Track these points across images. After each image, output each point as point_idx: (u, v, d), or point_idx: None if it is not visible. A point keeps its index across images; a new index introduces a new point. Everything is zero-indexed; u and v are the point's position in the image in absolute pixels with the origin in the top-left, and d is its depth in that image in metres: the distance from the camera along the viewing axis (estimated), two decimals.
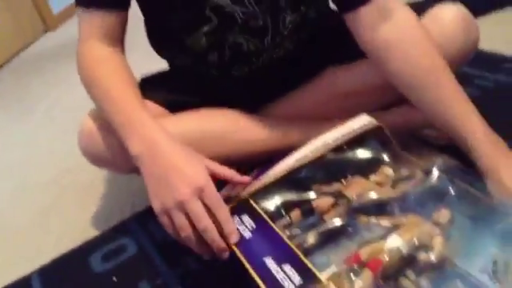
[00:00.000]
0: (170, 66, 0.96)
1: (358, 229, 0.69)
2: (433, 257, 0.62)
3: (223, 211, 0.66)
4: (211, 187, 0.66)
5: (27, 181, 1.20)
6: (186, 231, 0.66)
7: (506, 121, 0.83)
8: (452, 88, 0.73)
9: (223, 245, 0.66)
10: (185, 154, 0.69)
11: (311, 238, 0.69)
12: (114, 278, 0.81)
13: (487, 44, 1.11)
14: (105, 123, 0.82)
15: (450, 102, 0.73)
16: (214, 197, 0.66)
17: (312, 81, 0.90)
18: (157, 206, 0.68)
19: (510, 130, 0.79)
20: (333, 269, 0.62)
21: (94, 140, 0.84)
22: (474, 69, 1.04)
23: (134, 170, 0.85)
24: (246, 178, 0.73)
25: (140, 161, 0.70)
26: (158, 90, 0.88)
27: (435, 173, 0.71)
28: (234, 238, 0.65)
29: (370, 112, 0.81)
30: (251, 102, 0.90)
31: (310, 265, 0.61)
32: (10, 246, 0.98)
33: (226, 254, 0.66)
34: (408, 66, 0.74)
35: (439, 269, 0.62)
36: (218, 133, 0.85)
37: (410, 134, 0.84)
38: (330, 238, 0.69)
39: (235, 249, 0.65)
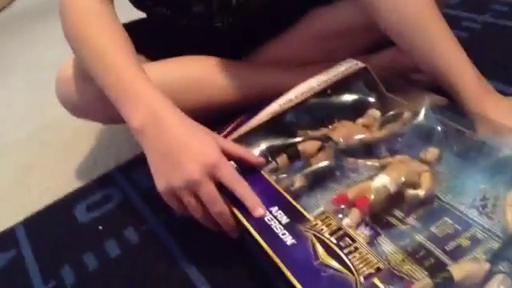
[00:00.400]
0: (148, 16, 0.92)
1: (346, 171, 0.69)
2: (421, 193, 0.61)
3: (243, 186, 0.60)
4: (225, 163, 0.60)
5: (7, 138, 1.17)
6: (199, 214, 0.61)
7: (493, 62, 0.82)
8: (441, 32, 0.71)
9: (234, 224, 0.61)
10: (194, 129, 0.63)
11: (298, 181, 0.68)
12: (100, 227, 0.80)
13: None
14: (83, 71, 0.80)
15: (439, 47, 0.71)
16: (230, 173, 0.60)
17: (295, 24, 0.88)
18: (161, 186, 0.61)
19: (497, 71, 0.78)
20: (320, 209, 0.62)
21: (71, 88, 0.81)
22: (462, 11, 1.03)
23: (114, 119, 0.83)
24: (261, 159, 0.67)
25: (142, 135, 0.62)
26: (134, 39, 0.85)
27: (422, 112, 0.70)
28: (259, 211, 0.59)
29: (356, 55, 0.80)
30: (233, 52, 0.88)
31: (297, 205, 0.60)
32: None
33: (237, 233, 0.62)
34: (396, 13, 0.72)
35: (427, 206, 0.61)
36: (198, 79, 0.83)
37: (398, 76, 0.83)
38: (318, 181, 0.68)
39: None
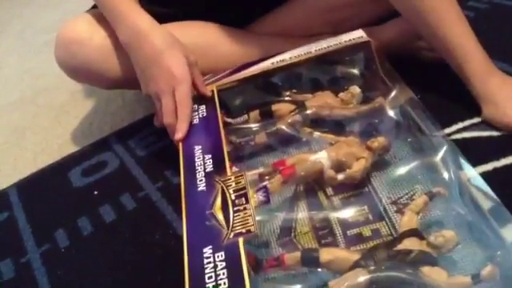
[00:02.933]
0: None
1: (300, 140, 0.72)
2: (340, 176, 0.63)
3: (184, 111, 0.68)
4: (183, 85, 0.69)
5: (0, 101, 1.15)
6: (158, 119, 0.71)
7: (499, 43, 0.81)
8: (450, 10, 0.70)
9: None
10: (169, 45, 0.71)
11: (258, 138, 0.73)
12: (95, 192, 0.78)
13: None
14: (82, 33, 0.78)
15: (448, 25, 0.70)
16: (183, 95, 0.69)
17: None
18: (143, 92, 0.73)
19: (502, 52, 0.78)
20: (258, 170, 0.65)
21: (73, 50, 0.79)
22: None
23: (115, 82, 0.82)
24: (207, 92, 0.74)
25: (128, 48, 0.73)
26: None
27: (391, 102, 0.70)
28: (178, 135, 0.67)
29: (362, 27, 0.79)
30: (235, 20, 0.86)
31: (226, 158, 0.62)
32: None
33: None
34: None
35: (358, 190, 0.63)
36: (201, 46, 0.81)
37: (404, 47, 0.82)
38: (279, 143, 0.72)
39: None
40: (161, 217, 0.71)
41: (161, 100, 0.69)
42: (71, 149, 0.91)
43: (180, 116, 0.68)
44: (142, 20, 0.73)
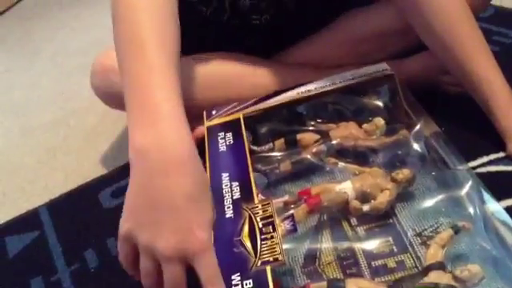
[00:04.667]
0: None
1: (325, 170, 0.73)
2: (365, 207, 0.64)
3: None
4: (209, 253, 0.50)
5: (33, 122, 1.18)
6: (147, 280, 0.51)
7: None
8: (477, 43, 0.72)
9: None
10: (199, 193, 0.52)
11: (283, 166, 0.74)
12: None
13: (507, 1, 1.10)
14: None
15: (474, 58, 0.72)
16: (212, 269, 0.50)
17: (329, 26, 0.88)
18: (125, 229, 0.52)
19: None
20: (283, 198, 0.66)
21: (107, 78, 0.82)
22: (493, 25, 1.02)
23: None
24: None
25: (141, 160, 0.52)
26: None
27: (415, 134, 0.71)
28: None
29: (388, 60, 0.81)
30: (264, 51, 0.89)
31: (253, 186, 0.62)
32: (17, 185, 0.97)
33: None
34: (435, 19, 0.72)
35: (382, 221, 0.64)
36: (227, 76, 0.84)
37: (428, 81, 0.83)
38: (304, 171, 0.74)
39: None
40: None
41: (163, 263, 0.49)
42: (101, 170, 0.93)
43: None
44: (181, 141, 0.52)
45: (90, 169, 0.95)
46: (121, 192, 0.85)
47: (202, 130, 0.75)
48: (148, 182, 0.51)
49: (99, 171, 0.93)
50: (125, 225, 0.52)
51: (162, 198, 0.50)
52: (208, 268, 0.50)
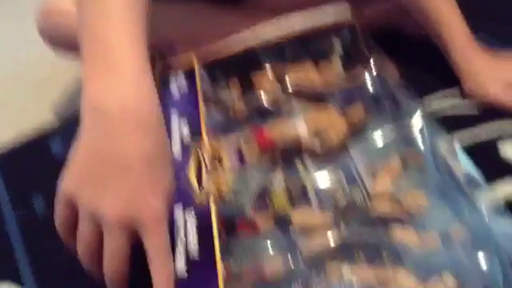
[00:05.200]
0: None
1: (286, 111, 0.70)
2: (317, 143, 0.63)
3: (165, 272, 0.44)
4: (162, 229, 0.44)
5: None
6: (85, 250, 0.46)
7: (481, 14, 0.82)
8: None
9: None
10: (157, 158, 0.46)
11: (238, 108, 0.72)
12: None
13: None
14: (65, 4, 0.78)
15: (438, 7, 0.72)
16: (162, 244, 0.44)
17: None
18: (64, 189, 0.47)
19: (484, 23, 0.78)
20: (235, 138, 0.65)
21: (56, 20, 0.79)
22: None
23: None
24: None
25: (92, 119, 0.46)
26: None
27: (372, 74, 0.71)
28: None
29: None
30: None
31: (202, 124, 0.62)
32: None
33: None
34: None
35: (333, 157, 0.63)
36: (183, 21, 0.81)
37: (390, 24, 0.82)
38: (258, 114, 0.71)
39: None
40: None
41: (104, 231, 0.44)
42: (52, 120, 0.90)
43: (158, 281, 0.43)
44: (145, 94, 0.47)
45: (41, 119, 0.92)
46: (71, 141, 0.82)
47: None
48: (102, 141, 0.45)
49: (50, 121, 0.90)
50: (66, 185, 0.46)
51: (115, 158, 0.44)
52: (157, 242, 0.44)
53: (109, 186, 0.43)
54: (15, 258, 0.64)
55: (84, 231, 0.45)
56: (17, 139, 0.87)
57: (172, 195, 0.47)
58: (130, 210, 0.43)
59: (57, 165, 0.78)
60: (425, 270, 0.46)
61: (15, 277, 0.62)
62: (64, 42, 0.81)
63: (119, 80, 0.46)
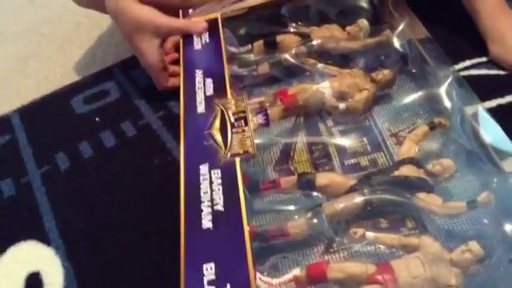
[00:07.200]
0: None
1: (310, 73, 0.69)
2: (342, 106, 0.62)
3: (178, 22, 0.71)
4: (154, 72, 0.74)
5: (5, 28, 1.13)
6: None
7: None
8: None
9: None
10: (135, 29, 0.70)
11: (261, 69, 0.71)
12: (97, 119, 0.78)
13: None
14: None
15: None
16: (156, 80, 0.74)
17: None
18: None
19: None
20: (259, 98, 0.64)
21: None
22: None
23: None
24: (202, 24, 0.71)
25: (114, 19, 0.74)
26: None
27: (398, 35, 0.68)
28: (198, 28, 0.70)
29: None
30: None
31: (227, 82, 0.61)
32: None
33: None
34: None
35: (358, 122, 0.62)
36: None
37: None
38: (282, 75, 0.71)
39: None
40: (161, 144, 0.71)
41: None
42: (74, 78, 0.90)
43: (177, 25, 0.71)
44: None
45: (63, 76, 0.91)
46: (93, 98, 0.83)
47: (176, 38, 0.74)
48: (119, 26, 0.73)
49: (72, 78, 0.90)
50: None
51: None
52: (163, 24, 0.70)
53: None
54: (40, 215, 0.65)
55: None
56: (39, 95, 0.87)
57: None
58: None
59: (79, 123, 0.80)
60: (450, 237, 0.45)
61: (41, 235, 0.63)
62: None
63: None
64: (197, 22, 0.71)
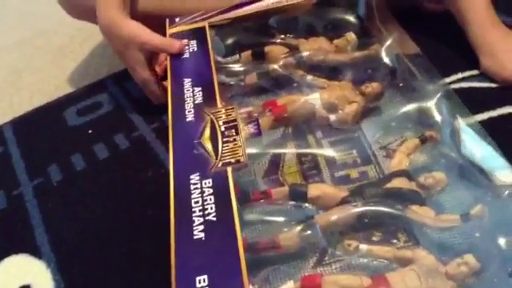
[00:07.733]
0: None
1: (298, 84, 0.70)
2: (332, 118, 0.62)
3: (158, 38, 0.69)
4: (147, 85, 0.74)
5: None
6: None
7: None
8: None
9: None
10: (124, 47, 0.71)
11: (249, 79, 0.71)
12: (90, 131, 0.78)
13: None
14: None
15: None
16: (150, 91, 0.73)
17: None
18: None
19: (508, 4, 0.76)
20: (247, 108, 0.64)
21: None
22: None
23: None
24: (177, 44, 0.70)
25: (105, 34, 0.73)
26: None
27: (386, 48, 0.69)
28: (174, 47, 0.69)
29: None
30: None
31: (216, 91, 0.61)
32: None
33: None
34: None
35: (348, 134, 0.63)
36: None
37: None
38: (270, 85, 0.71)
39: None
40: (154, 156, 0.71)
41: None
42: (67, 90, 0.90)
43: (157, 42, 0.70)
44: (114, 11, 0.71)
45: (57, 88, 0.91)
46: (86, 110, 0.83)
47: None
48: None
49: (65, 90, 0.90)
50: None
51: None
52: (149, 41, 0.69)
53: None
54: (32, 228, 0.65)
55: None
56: (32, 108, 0.87)
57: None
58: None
59: (71, 135, 0.80)
60: (442, 250, 0.45)
61: (32, 248, 0.62)
62: (81, 6, 0.80)
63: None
64: (173, 41, 0.70)
